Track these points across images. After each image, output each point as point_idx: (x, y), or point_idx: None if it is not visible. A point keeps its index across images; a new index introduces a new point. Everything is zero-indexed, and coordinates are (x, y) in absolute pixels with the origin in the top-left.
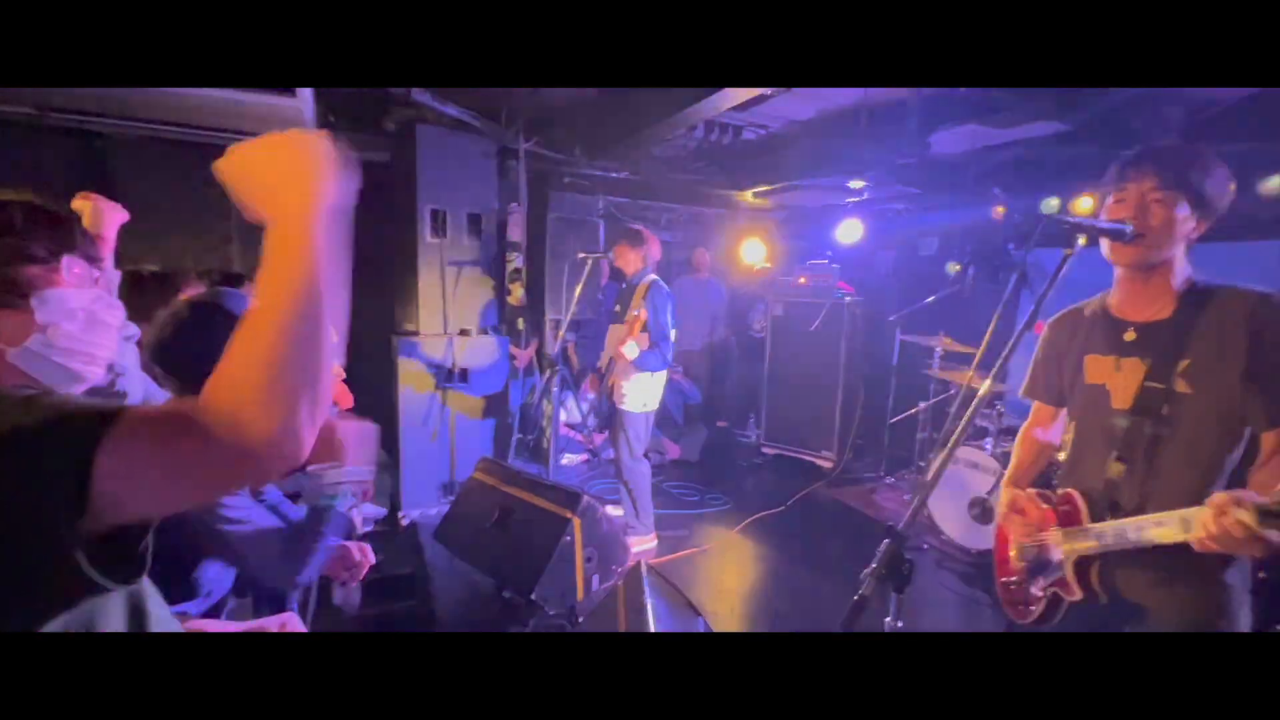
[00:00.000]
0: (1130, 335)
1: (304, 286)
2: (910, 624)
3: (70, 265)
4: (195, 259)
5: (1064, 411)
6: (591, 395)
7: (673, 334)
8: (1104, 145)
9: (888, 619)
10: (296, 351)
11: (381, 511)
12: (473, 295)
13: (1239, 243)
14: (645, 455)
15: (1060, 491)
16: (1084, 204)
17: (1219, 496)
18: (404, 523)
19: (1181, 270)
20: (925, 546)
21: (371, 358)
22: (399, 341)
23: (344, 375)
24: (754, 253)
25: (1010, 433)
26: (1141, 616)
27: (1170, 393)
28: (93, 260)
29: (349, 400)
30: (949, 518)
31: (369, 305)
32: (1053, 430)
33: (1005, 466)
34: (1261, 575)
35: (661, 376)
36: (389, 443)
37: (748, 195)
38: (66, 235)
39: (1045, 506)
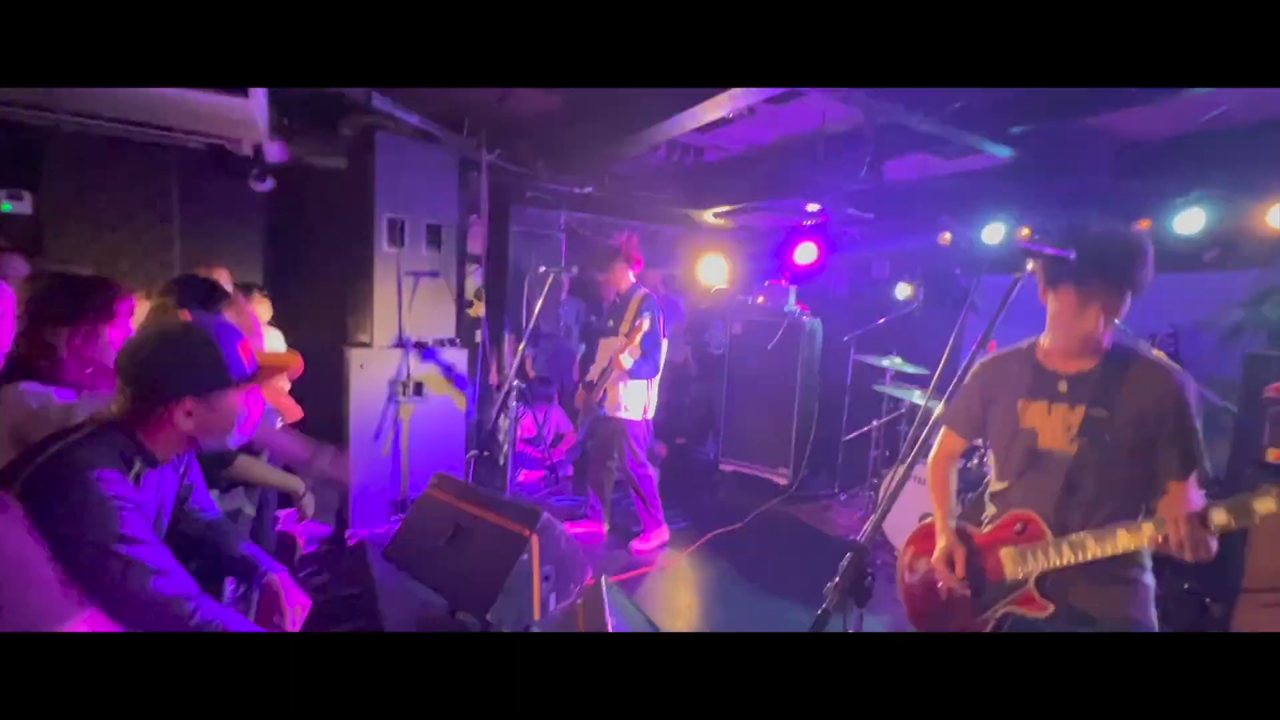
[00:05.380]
0: (1063, 387)
1: None
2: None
3: None
4: (133, 263)
5: (969, 442)
6: (579, 408)
7: (664, 344)
8: (1042, 178)
9: (849, 631)
10: None
11: (328, 529)
12: (430, 307)
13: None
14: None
15: (1008, 514)
16: (1025, 234)
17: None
18: (351, 541)
19: (1111, 333)
20: (879, 562)
21: (322, 369)
22: (351, 353)
23: (289, 387)
24: (714, 271)
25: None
26: (1076, 618)
27: (1100, 433)
28: None
29: (297, 413)
30: (901, 534)
31: (320, 315)
32: (960, 455)
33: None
34: (1186, 586)
35: (654, 383)
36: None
37: (708, 215)
38: None
39: (987, 531)
